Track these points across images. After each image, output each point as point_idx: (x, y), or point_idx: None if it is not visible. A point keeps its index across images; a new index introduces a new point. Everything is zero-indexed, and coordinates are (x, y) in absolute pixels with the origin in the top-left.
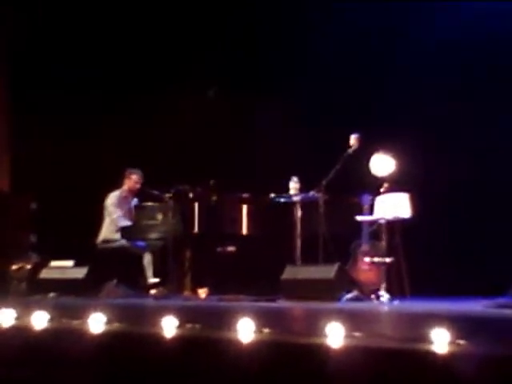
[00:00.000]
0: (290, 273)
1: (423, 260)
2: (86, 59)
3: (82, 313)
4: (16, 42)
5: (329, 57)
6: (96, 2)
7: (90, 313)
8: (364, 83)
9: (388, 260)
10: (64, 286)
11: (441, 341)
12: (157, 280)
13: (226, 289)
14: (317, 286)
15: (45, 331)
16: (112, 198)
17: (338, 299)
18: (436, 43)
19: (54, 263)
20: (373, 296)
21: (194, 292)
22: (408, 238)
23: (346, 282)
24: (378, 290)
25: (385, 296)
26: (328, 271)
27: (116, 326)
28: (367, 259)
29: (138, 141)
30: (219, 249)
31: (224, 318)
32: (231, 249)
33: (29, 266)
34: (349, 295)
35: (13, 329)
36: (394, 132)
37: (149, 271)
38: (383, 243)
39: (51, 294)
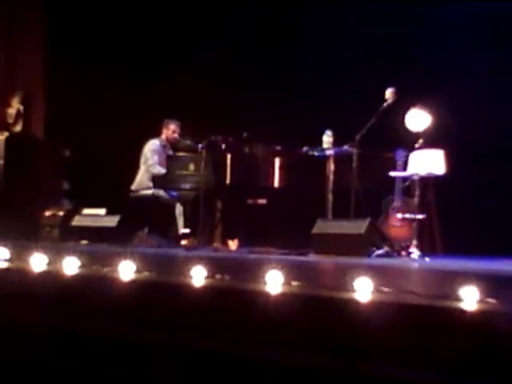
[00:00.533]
0: (320, 227)
1: (456, 218)
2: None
3: (112, 260)
4: None
5: (368, 9)
6: None
7: (120, 260)
8: (401, 35)
9: (420, 217)
10: (96, 234)
11: (470, 298)
12: (188, 230)
13: (256, 241)
14: (347, 240)
15: (75, 277)
16: (151, 145)
17: (368, 255)
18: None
19: (86, 211)
20: (403, 252)
21: (225, 243)
22: (441, 195)
23: (376, 237)
24: (409, 246)
25: (415, 253)
26: (359, 226)
27: (145, 274)
28: (399, 215)
29: (173, 92)
30: (250, 201)
31: (253, 270)
32: (262, 201)
33: (61, 213)
34: (379, 251)
35: (44, 274)
36: (431, 87)
37: (180, 221)
38: (416, 200)
39: (83, 242)
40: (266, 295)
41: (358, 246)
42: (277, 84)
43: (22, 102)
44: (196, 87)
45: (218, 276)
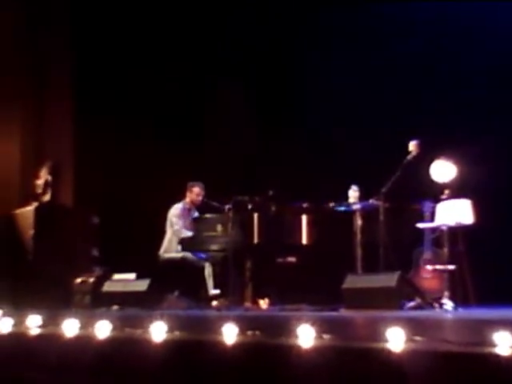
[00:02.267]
0: (351, 282)
1: (487, 268)
2: (147, 67)
3: (144, 323)
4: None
5: (389, 57)
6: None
7: (151, 322)
8: (426, 89)
9: (451, 267)
10: (127, 299)
11: (505, 344)
12: (218, 291)
13: (287, 299)
14: (378, 294)
15: (107, 340)
16: (176, 210)
17: (400, 307)
18: (497, 51)
19: (116, 276)
20: (436, 304)
21: (255, 303)
22: (471, 245)
23: (407, 290)
24: (441, 298)
25: (448, 304)
26: (389, 279)
27: (177, 334)
28: (429, 267)
29: (197, 154)
30: (280, 259)
31: (285, 326)
32: (292, 259)
33: (92, 279)
34: (411, 303)
35: (77, 338)
36: (455, 138)
37: (210, 283)
38: (445, 250)
39: (114, 307)
40: (299, 349)
41: (390, 299)
42: (301, 140)
43: (51, 172)
44: (222, 148)
45: (249, 332)
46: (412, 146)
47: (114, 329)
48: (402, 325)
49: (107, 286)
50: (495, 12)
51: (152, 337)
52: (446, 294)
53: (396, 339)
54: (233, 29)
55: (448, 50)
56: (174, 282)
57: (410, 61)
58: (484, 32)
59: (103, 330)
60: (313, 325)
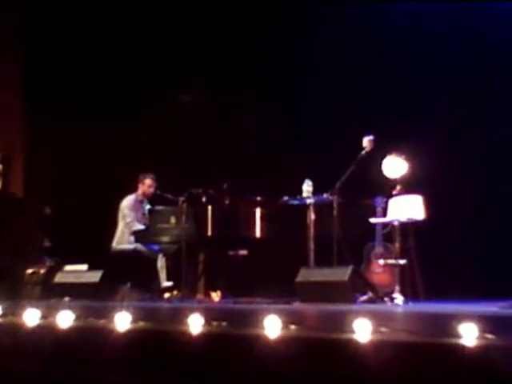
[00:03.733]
0: (304, 275)
1: (436, 263)
2: (97, 60)
3: (107, 313)
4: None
5: (342, 56)
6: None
7: (115, 313)
8: (377, 84)
9: (401, 262)
10: (79, 290)
11: (469, 335)
12: (170, 283)
13: (239, 292)
14: (331, 288)
15: (70, 330)
16: (128, 202)
17: (354, 301)
18: (449, 43)
19: (68, 267)
20: (386, 298)
21: (208, 295)
22: (421, 241)
23: (360, 284)
24: (392, 292)
25: (399, 298)
26: (342, 273)
27: (142, 324)
28: (381, 261)
29: (150, 144)
30: (231, 252)
31: (251, 317)
32: (243, 252)
33: (43, 270)
34: (363, 297)
35: (38, 328)
36: (407, 134)
37: (162, 275)
38: (397, 245)
39: (66, 299)
40: (266, 339)
41: (343, 292)
42: (255, 134)
43: (1, 162)
44: (173, 139)
45: (214, 323)
46: (366, 141)
47: (77, 319)
48: (368, 316)
49: (59, 277)
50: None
51: (116, 326)
52: (397, 288)
53: (362, 330)
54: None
55: (399, 45)
56: (126, 274)
57: (365, 56)
58: (433, 26)
59: (65, 319)
60: (279, 316)
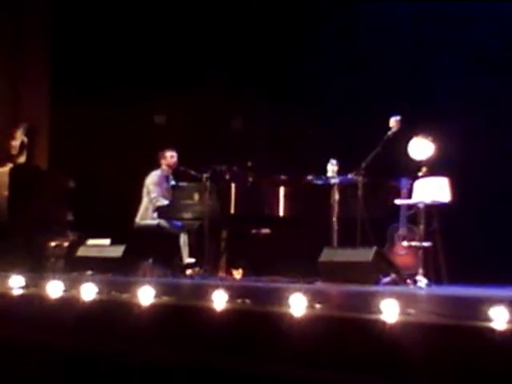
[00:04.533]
0: (327, 255)
1: (461, 246)
2: (123, 39)
3: (131, 287)
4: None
5: (369, 39)
6: None
7: (139, 287)
8: (406, 65)
9: (425, 245)
10: (101, 264)
11: (500, 319)
12: (193, 260)
13: (260, 271)
14: (354, 268)
15: (93, 302)
16: (153, 177)
17: (376, 282)
18: (480, 28)
19: (91, 241)
20: (409, 281)
21: (229, 273)
22: (446, 223)
23: (383, 265)
24: (415, 274)
25: (422, 281)
26: (366, 254)
27: (165, 299)
28: (404, 243)
29: (177, 122)
30: (254, 231)
31: (276, 295)
32: (266, 231)
33: (66, 244)
34: (386, 279)
35: (61, 300)
36: (435, 116)
37: (185, 251)
38: (421, 227)
39: (88, 272)
40: (291, 317)
41: (366, 273)
42: (281, 112)
43: (26, 134)
44: (197, 117)
45: (238, 300)
46: (392, 122)
47: (100, 292)
48: (395, 297)
49: (82, 251)
50: None
51: (139, 301)
52: (420, 270)
53: (390, 311)
54: None
55: (428, 28)
56: (148, 250)
57: (391, 37)
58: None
59: (89, 292)
60: (305, 294)
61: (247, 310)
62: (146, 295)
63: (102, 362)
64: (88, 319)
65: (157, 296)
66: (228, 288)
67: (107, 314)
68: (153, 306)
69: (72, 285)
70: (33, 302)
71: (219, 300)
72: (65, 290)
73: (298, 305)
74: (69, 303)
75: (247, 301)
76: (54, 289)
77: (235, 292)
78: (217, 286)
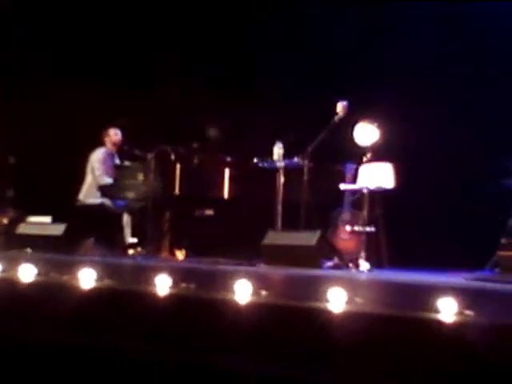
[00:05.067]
0: (271, 238)
1: (403, 231)
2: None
3: (70, 268)
4: None
5: (318, 24)
6: None
7: (79, 268)
8: (354, 51)
9: (368, 229)
10: (41, 243)
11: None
12: (135, 240)
13: (203, 252)
14: (298, 252)
15: (32, 285)
16: (98, 154)
17: (319, 266)
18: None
19: (31, 219)
20: (351, 265)
21: (172, 254)
22: (389, 209)
23: (327, 249)
24: (357, 259)
25: (364, 265)
26: (310, 238)
27: (107, 282)
28: (348, 228)
29: (122, 100)
30: (197, 212)
31: (221, 281)
32: (209, 212)
33: (6, 221)
34: (329, 263)
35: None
36: (380, 101)
37: (127, 231)
38: (364, 213)
39: (28, 250)
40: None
41: (309, 257)
42: (228, 94)
43: None
44: (146, 95)
45: (182, 284)
46: (339, 106)
47: (39, 274)
48: (342, 285)
49: (22, 228)
50: None
51: (80, 283)
52: (362, 255)
53: (337, 300)
54: None
55: (375, 13)
56: (90, 229)
57: (342, 24)
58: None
59: (27, 274)
60: (250, 280)
61: (191, 296)
62: (86, 277)
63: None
64: (24, 301)
65: (98, 279)
66: (171, 271)
67: (44, 296)
68: (93, 290)
69: (10, 265)
70: None
71: (162, 284)
72: (3, 271)
73: (243, 291)
74: (6, 284)
75: (191, 285)
76: None
77: (179, 276)
78: (160, 269)
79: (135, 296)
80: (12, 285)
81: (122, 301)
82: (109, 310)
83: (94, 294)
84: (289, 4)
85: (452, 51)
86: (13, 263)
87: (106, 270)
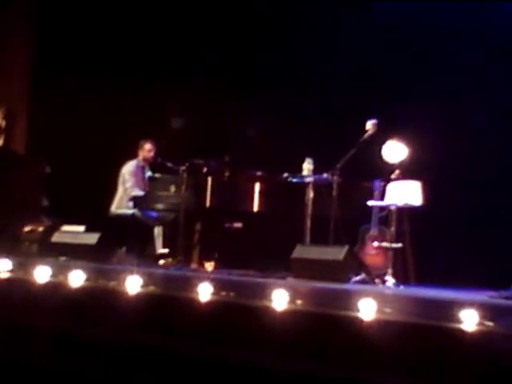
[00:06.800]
0: (300, 252)
1: (430, 248)
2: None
3: (119, 275)
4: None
5: (351, 42)
6: None
7: (127, 276)
8: (387, 70)
9: (395, 246)
10: (75, 251)
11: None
12: (166, 251)
13: (232, 264)
14: (326, 266)
15: (81, 289)
16: (129, 167)
17: (347, 281)
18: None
19: (65, 227)
20: (378, 280)
21: (201, 265)
22: (417, 226)
23: (354, 264)
24: (384, 274)
25: (390, 281)
26: (338, 253)
27: (152, 289)
28: (375, 244)
29: (155, 114)
30: (227, 224)
31: (259, 290)
32: (238, 225)
33: (41, 229)
34: (356, 278)
35: (49, 284)
36: (410, 120)
37: (158, 242)
38: (392, 229)
39: (62, 258)
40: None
41: (337, 272)
42: (260, 110)
43: (4, 117)
44: (179, 110)
45: (223, 293)
46: (369, 125)
47: (88, 279)
48: (373, 297)
49: (56, 237)
50: None
51: (127, 289)
52: (390, 271)
53: (367, 310)
54: None
55: (408, 32)
56: (122, 238)
57: (371, 39)
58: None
59: (77, 279)
60: (287, 290)
61: (231, 303)
62: (133, 284)
63: (86, 346)
64: (74, 305)
65: (144, 285)
66: (213, 280)
67: (93, 301)
68: (138, 295)
69: (59, 270)
70: (20, 285)
71: (205, 292)
72: (52, 276)
73: (280, 299)
74: (56, 289)
75: (231, 294)
76: (41, 274)
77: (219, 285)
78: (202, 279)
79: (181, 301)
80: (61, 288)
81: (166, 306)
82: (151, 313)
83: (140, 299)
84: (325, 23)
85: (478, 70)
86: (62, 269)
87: (151, 278)
